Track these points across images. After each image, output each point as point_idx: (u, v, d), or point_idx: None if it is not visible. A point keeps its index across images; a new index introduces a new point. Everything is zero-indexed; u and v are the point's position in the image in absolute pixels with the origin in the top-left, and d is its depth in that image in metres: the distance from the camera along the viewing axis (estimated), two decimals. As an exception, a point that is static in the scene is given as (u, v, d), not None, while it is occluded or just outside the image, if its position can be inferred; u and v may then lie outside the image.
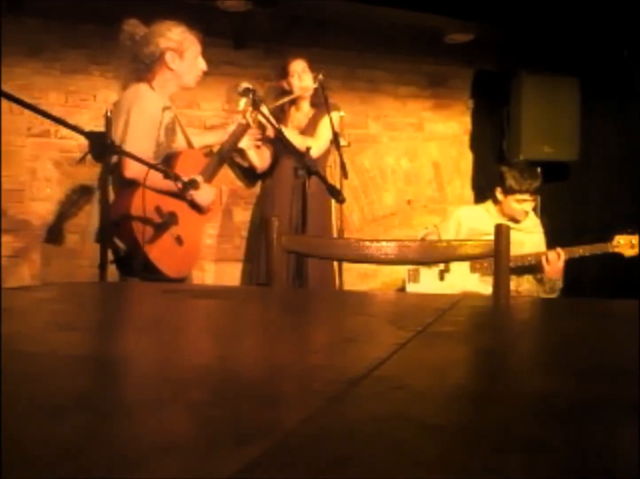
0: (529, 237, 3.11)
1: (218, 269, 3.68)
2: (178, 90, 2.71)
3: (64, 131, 3.19)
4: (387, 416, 0.43)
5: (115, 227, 2.38)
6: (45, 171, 3.44)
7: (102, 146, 2.11)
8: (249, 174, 3.61)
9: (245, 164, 3.49)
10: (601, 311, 1.17)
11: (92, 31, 3.45)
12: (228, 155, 2.92)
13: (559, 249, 2.95)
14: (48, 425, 0.39)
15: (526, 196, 3.08)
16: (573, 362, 0.66)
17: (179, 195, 2.44)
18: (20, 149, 3.40)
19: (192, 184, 2.38)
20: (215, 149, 2.94)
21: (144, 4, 3.23)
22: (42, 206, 3.43)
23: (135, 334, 0.79)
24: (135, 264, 2.35)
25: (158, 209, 2.43)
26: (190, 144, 2.74)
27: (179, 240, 2.50)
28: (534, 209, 3.27)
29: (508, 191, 3.08)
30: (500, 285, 1.55)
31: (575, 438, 0.39)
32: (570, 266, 3.01)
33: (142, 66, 2.58)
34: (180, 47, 2.60)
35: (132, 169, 2.37)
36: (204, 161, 2.73)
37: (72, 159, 3.35)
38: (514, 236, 3.11)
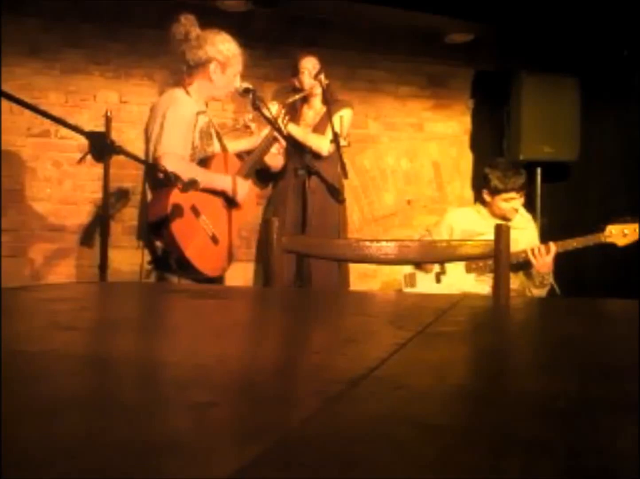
0: (522, 234, 3.10)
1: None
2: (209, 99, 2.75)
3: (64, 131, 3.19)
4: (387, 416, 0.43)
5: (153, 227, 2.41)
6: (45, 171, 3.44)
7: (102, 146, 2.11)
8: (262, 175, 3.61)
9: (258, 166, 3.50)
10: (601, 311, 1.17)
11: (92, 31, 3.46)
12: (262, 157, 2.93)
13: (550, 243, 2.94)
14: (48, 425, 0.39)
15: (512, 194, 3.08)
16: (573, 362, 0.66)
17: (217, 192, 2.51)
18: (20, 149, 3.40)
19: (192, 184, 2.39)
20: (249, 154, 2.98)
21: (144, 4, 3.24)
22: (42, 206, 3.44)
23: (135, 334, 0.79)
24: (173, 263, 2.38)
25: (194, 208, 2.46)
26: (224, 149, 2.77)
27: (214, 239, 2.53)
28: (526, 206, 3.27)
29: (494, 192, 3.08)
30: (500, 285, 1.55)
31: (575, 438, 0.39)
32: (570, 260, 3.00)
33: (184, 67, 2.62)
34: (226, 61, 2.64)
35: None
36: (238, 164, 2.76)
37: (72, 159, 3.36)
38: None
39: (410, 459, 0.34)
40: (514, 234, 3.09)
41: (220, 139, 2.76)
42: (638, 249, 2.94)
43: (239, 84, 2.72)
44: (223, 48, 2.64)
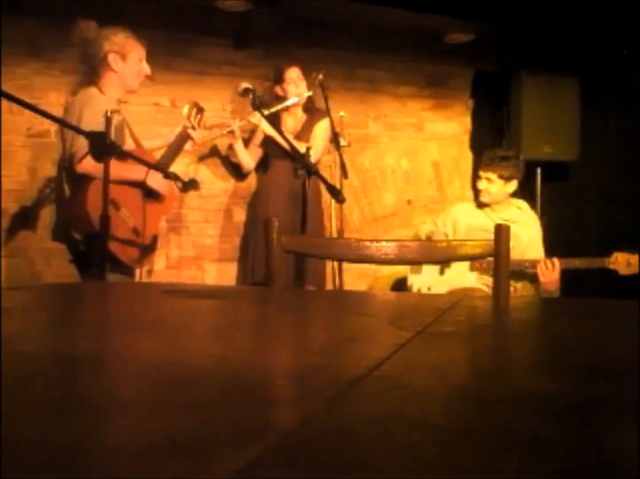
0: (524, 230, 3.11)
1: (218, 269, 3.68)
2: (124, 94, 2.82)
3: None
4: (387, 416, 0.43)
5: (73, 223, 2.45)
6: (45, 171, 3.44)
7: (102, 146, 2.12)
8: (239, 171, 3.66)
9: (235, 161, 3.57)
10: (601, 311, 1.16)
11: (92, 31, 3.45)
12: (176, 153, 2.96)
13: (554, 259, 2.94)
14: (47, 425, 0.39)
15: (481, 171, 3.18)
16: (573, 362, 0.66)
17: (136, 185, 2.59)
18: (20, 149, 3.39)
19: (192, 184, 2.39)
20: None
21: (144, 4, 3.24)
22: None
23: (134, 334, 0.79)
24: (96, 257, 2.38)
25: (114, 202, 2.49)
26: (139, 145, 2.80)
27: (135, 231, 2.62)
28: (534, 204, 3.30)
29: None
30: (500, 285, 1.55)
31: (575, 438, 0.39)
32: (569, 279, 2.99)
33: (89, 68, 2.71)
34: (122, 50, 2.71)
35: (84, 165, 2.46)
36: (154, 159, 2.83)
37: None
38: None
39: (410, 459, 0.34)
40: (514, 229, 3.14)
41: (134, 137, 2.79)
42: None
43: (148, 69, 2.77)
44: (116, 39, 2.70)
